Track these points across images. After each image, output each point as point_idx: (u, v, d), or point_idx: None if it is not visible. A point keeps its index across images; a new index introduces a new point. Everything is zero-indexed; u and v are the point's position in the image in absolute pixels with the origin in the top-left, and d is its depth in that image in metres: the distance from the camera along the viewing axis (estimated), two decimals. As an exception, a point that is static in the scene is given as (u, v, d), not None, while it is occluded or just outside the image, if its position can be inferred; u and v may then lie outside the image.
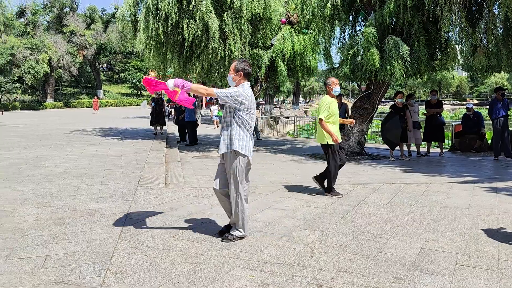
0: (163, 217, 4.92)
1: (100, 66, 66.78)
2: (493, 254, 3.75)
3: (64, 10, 58.05)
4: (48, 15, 57.70)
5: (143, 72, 58.20)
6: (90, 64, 58.80)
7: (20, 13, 54.89)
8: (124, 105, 54.42)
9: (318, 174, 6.42)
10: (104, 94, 60.18)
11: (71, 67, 51.41)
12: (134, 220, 4.78)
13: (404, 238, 4.18)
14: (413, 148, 11.28)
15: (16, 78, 44.73)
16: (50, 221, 4.72)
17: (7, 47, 44.20)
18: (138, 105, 52.67)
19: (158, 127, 16.08)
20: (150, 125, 16.06)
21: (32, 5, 54.77)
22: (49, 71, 47.42)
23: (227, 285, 3.12)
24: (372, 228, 4.52)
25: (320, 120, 5.95)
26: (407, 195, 6.10)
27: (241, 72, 4.07)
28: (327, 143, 6.03)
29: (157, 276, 3.26)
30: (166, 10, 10.52)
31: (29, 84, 46.16)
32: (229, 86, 4.14)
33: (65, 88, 61.76)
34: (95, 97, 45.14)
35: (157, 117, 15.62)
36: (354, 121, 6.43)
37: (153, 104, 15.80)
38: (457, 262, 3.55)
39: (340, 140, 6.09)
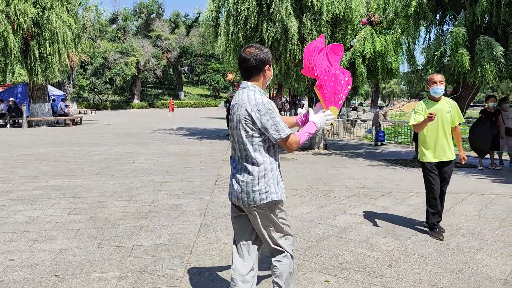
0: (239, 216, 5.03)
1: (182, 68, 70.06)
2: None
3: (151, 16, 61.94)
4: (137, 20, 61.96)
5: (221, 74, 60.04)
6: (173, 67, 61.97)
7: (113, 20, 59.57)
8: (203, 106, 56.56)
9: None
10: (185, 95, 63.07)
11: (156, 69, 54.66)
12: (212, 217, 4.96)
13: (494, 254, 3.86)
14: (505, 157, 10.35)
15: (107, 80, 48.55)
16: (136, 213, 5.06)
17: (101, 51, 48.18)
18: (216, 106, 54.47)
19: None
20: (227, 126, 16.42)
21: (124, 12, 59.22)
22: (136, 73, 50.84)
23: (302, 287, 3.12)
24: (457, 241, 4.23)
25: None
26: (497, 207, 5.62)
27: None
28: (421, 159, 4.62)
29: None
30: (246, 14, 10.77)
31: (119, 85, 49.80)
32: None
33: (149, 89, 65.73)
34: (171, 98, 44.28)
35: None
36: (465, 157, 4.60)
37: (227, 105, 16.11)
38: (558, 285, 3.20)
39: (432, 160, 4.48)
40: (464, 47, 8.54)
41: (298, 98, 36.74)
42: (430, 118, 4.13)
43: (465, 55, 8.38)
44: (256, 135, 2.37)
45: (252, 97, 2.38)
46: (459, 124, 4.65)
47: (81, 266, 3.47)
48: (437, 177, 4.47)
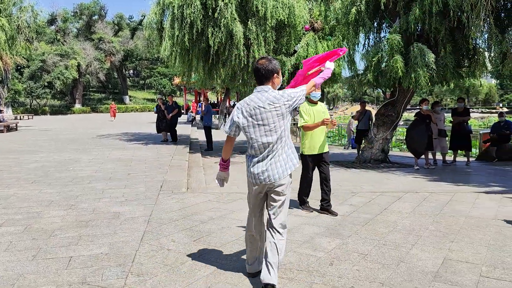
0: (185, 221, 4.98)
1: (126, 72, 68.22)
2: (520, 267, 3.63)
3: (93, 18, 59.80)
4: (78, 22, 59.58)
5: (168, 78, 59.09)
6: (117, 70, 60.17)
7: (51, 21, 56.83)
8: (149, 110, 55.20)
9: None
10: (130, 100, 61.40)
11: (98, 73, 52.77)
12: (156, 223, 4.86)
13: (427, 248, 4.10)
14: (438, 156, 11.05)
15: (46, 84, 46.16)
16: (75, 223, 4.85)
17: (39, 54, 45.76)
18: (150, 110, 52.79)
19: (168, 133, 15.26)
20: (157, 131, 15.51)
21: (63, 13, 56.66)
22: (77, 77, 48.78)
23: (246, 291, 3.13)
24: (394, 237, 4.45)
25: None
26: (431, 205, 5.98)
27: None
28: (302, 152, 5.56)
29: (177, 280, 3.31)
30: (191, 18, 10.69)
31: (58, 89, 47.51)
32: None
33: (92, 94, 63.34)
34: (112, 102, 39.22)
35: (161, 123, 15.06)
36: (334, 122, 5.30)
37: (155, 109, 15.76)
38: (482, 274, 3.46)
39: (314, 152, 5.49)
40: (399, 53, 9.02)
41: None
42: (326, 123, 5.20)
43: (399, 61, 8.85)
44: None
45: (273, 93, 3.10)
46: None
47: (13, 280, 3.26)
48: (314, 167, 5.63)
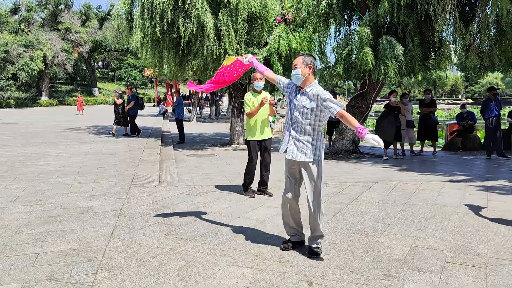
0: (156, 215, 4.93)
1: (95, 63, 66.45)
2: (482, 251, 3.79)
3: (59, 7, 57.72)
4: (43, 12, 57.31)
5: (138, 69, 57.98)
6: (85, 62, 58.50)
7: (15, 10, 54.52)
8: (106, 102, 53.94)
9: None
10: (100, 92, 59.94)
11: (66, 64, 51.11)
12: (127, 218, 4.79)
13: (395, 236, 4.22)
14: (407, 147, 11.34)
15: (10, 76, 44.41)
16: (42, 219, 4.72)
17: (1, 44, 43.91)
18: (107, 102, 51.48)
19: (121, 127, 14.85)
20: (118, 123, 14.86)
21: (27, 2, 54.43)
22: (43, 69, 47.14)
23: (218, 282, 3.14)
24: (364, 226, 4.55)
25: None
26: (399, 194, 6.14)
27: (311, 65, 3.59)
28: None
29: (148, 274, 3.28)
30: (162, 8, 10.49)
31: (23, 81, 45.81)
32: (289, 82, 3.81)
33: (60, 86, 61.43)
34: (79, 95, 35.84)
35: (120, 118, 14.60)
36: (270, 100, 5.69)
37: (110, 101, 15.37)
38: (446, 260, 3.59)
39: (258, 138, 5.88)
40: (369, 46, 9.15)
41: (219, 94, 36.75)
42: (264, 102, 5.61)
43: (369, 54, 8.99)
44: None
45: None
46: None
47: (-24, 279, 3.15)
48: (258, 152, 5.94)
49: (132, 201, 5.55)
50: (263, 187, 6.07)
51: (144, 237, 4.11)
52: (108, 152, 10.27)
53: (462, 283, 3.15)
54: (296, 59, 3.62)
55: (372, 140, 3.25)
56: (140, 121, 20.44)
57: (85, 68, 62.33)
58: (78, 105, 31.04)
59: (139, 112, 15.53)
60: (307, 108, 3.54)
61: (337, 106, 3.46)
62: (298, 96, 3.64)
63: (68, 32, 52.93)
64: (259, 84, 5.68)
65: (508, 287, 3.08)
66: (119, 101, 14.38)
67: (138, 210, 5.12)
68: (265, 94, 5.85)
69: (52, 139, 13.36)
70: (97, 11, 62.21)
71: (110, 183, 6.67)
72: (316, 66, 3.64)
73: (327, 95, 3.50)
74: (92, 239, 4.06)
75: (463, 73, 77.16)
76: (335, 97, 12.23)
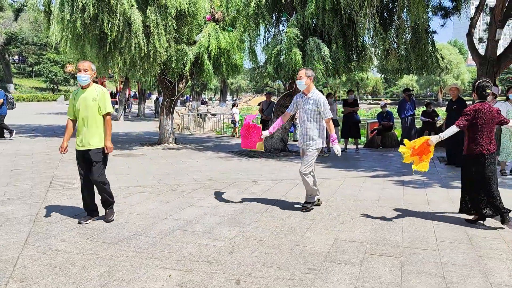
0: (77, 219, 4.64)
1: (10, 57, 61.32)
2: (398, 242, 4.06)
3: (-33, -5, 52.43)
4: None
5: (60, 65, 54.49)
6: (-1, 55, 53.75)
7: None
8: (38, 100, 50.32)
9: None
10: (16, 88, 55.39)
11: (-25, 58, 46.60)
12: (44, 223, 4.47)
13: (319, 231, 4.38)
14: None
15: None
16: None
17: None
18: (55, 100, 49.05)
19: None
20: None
21: None
22: (-52, 62, 42.55)
23: (143, 286, 3.04)
24: (290, 222, 4.67)
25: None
26: (324, 190, 6.38)
27: (311, 76, 5.11)
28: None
29: (66, 282, 3.08)
30: (83, 1, 9.92)
31: None
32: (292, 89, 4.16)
33: (-32, 81, 55.87)
34: None
35: None
36: None
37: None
38: (366, 251, 3.79)
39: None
40: (297, 46, 9.40)
41: (148, 92, 35.76)
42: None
43: (297, 54, 9.23)
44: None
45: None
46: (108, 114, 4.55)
47: None
48: (84, 164, 4.54)
49: (50, 205, 5.19)
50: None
51: (63, 243, 3.87)
52: (24, 153, 9.53)
53: (380, 272, 3.34)
54: (300, 72, 5.15)
55: (336, 150, 5.13)
56: (61, 120, 19.21)
57: (-2, 63, 57.26)
58: None
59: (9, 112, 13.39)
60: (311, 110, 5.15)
61: (329, 114, 5.11)
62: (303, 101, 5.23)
63: (-22, 22, 48.30)
64: (81, 77, 4.40)
65: (420, 274, 3.33)
66: None
67: (56, 214, 4.80)
68: (96, 89, 4.52)
69: (-42, 139, 12.11)
70: (11, 1, 57.48)
71: (25, 187, 6.18)
72: (316, 77, 4.43)
73: (326, 104, 5.12)
74: (3, 247, 3.73)
75: (383, 75, 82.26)
76: (269, 97, 12.58)
